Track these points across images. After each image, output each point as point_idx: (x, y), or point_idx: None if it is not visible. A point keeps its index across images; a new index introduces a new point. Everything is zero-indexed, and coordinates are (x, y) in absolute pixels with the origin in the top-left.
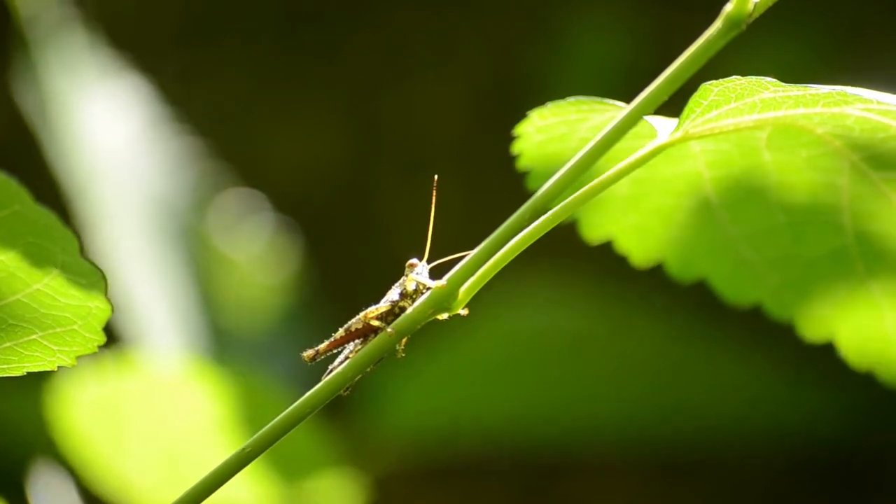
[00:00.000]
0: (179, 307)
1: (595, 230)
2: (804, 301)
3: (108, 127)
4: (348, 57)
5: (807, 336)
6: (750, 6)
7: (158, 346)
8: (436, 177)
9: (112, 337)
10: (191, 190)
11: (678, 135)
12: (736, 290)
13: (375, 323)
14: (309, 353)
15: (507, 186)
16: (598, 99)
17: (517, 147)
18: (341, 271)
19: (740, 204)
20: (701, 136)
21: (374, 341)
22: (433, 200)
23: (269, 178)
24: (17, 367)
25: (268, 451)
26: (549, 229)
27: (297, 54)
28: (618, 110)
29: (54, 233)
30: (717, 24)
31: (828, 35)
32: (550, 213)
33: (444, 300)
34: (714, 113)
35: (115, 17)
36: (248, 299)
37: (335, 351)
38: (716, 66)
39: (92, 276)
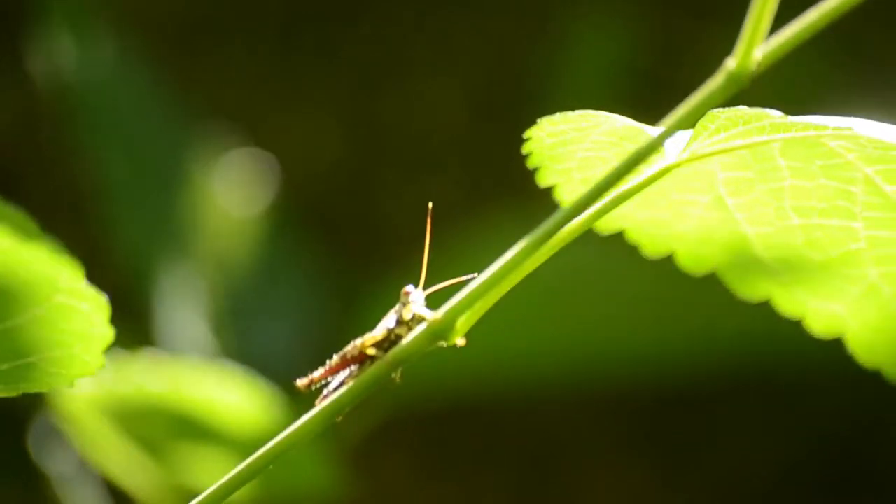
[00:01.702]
0: (189, 270)
1: (608, 223)
2: (814, 299)
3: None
4: (348, 56)
5: (817, 332)
6: (753, 64)
7: (178, 342)
8: (430, 204)
9: (129, 316)
10: (196, 149)
11: (685, 155)
12: (747, 285)
13: (371, 351)
14: (303, 381)
15: (508, 186)
16: (607, 114)
17: (527, 147)
18: (341, 270)
19: (754, 205)
20: (709, 155)
21: (370, 370)
22: (428, 227)
23: (269, 178)
24: (14, 388)
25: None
26: (554, 251)
27: (297, 53)
28: (626, 121)
29: (59, 260)
30: (719, 80)
31: (836, 37)
32: (567, 227)
33: (442, 333)
34: (722, 135)
35: (116, 18)
36: (254, 261)
37: (329, 379)
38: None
39: (95, 301)
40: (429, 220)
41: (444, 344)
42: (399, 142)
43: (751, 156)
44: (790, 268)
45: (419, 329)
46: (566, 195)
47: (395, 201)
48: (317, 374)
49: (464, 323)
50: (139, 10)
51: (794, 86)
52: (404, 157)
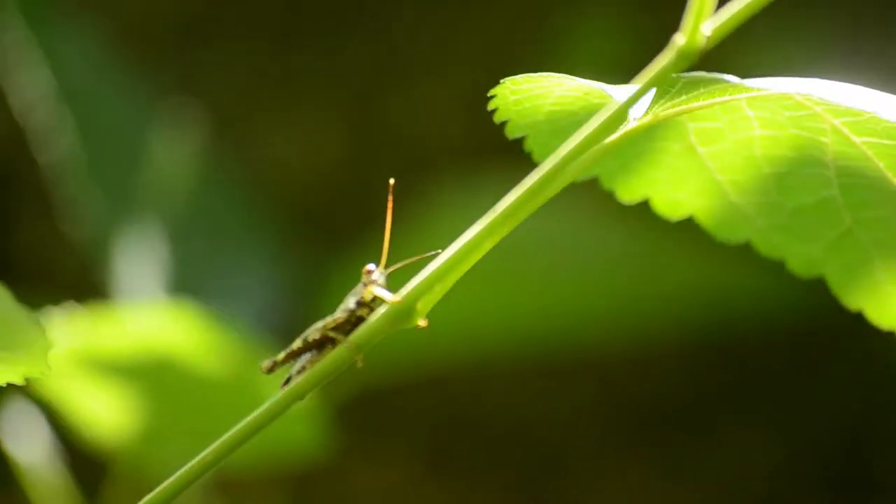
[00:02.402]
0: (149, 247)
1: (579, 172)
2: (793, 242)
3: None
4: (348, 57)
5: (798, 273)
6: (702, 39)
7: (132, 292)
8: (392, 180)
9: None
10: (152, 122)
11: (647, 119)
12: (724, 228)
13: (332, 334)
14: (266, 363)
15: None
16: (566, 75)
17: (493, 103)
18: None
19: (725, 154)
20: (671, 117)
21: (332, 354)
22: (390, 205)
23: (269, 178)
24: None
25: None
26: (513, 227)
27: (297, 54)
28: (588, 82)
29: None
30: (669, 56)
31: (826, 29)
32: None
33: (402, 317)
34: (683, 97)
35: (113, 18)
36: (209, 232)
37: (292, 362)
38: (707, 63)
39: (29, 325)
40: (390, 199)
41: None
42: (399, 142)
43: (720, 107)
44: (765, 213)
45: (380, 311)
46: (536, 147)
47: (395, 201)
48: (280, 356)
49: (425, 304)
50: (140, 9)
51: (790, 60)
52: (405, 157)
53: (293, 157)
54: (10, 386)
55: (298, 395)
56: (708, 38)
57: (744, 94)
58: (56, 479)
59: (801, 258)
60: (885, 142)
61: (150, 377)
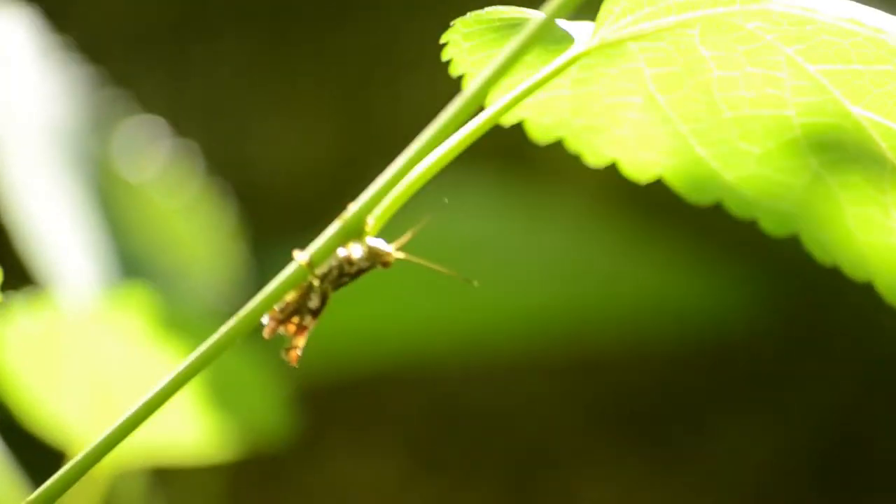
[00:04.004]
0: (89, 237)
1: (544, 132)
2: (763, 198)
3: None
4: (339, 54)
5: (771, 232)
6: None
7: (72, 279)
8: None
9: (24, 274)
10: (89, 117)
11: (595, 42)
12: (694, 188)
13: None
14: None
15: (496, 183)
16: (518, 9)
17: (446, 53)
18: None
19: (685, 101)
20: (618, 43)
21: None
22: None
23: (260, 176)
24: None
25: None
26: (481, 134)
27: (287, 51)
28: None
29: None
30: None
31: None
32: (487, 113)
33: (353, 232)
34: (629, 18)
35: (105, 15)
36: (154, 225)
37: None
38: None
39: None
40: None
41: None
42: (390, 140)
43: (674, 48)
44: (731, 165)
45: (331, 228)
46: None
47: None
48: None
49: (378, 220)
50: (129, 7)
51: None
52: (395, 155)
53: (283, 154)
54: None
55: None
56: None
57: (688, 14)
58: (6, 472)
59: (774, 215)
60: (839, 66)
61: (96, 361)
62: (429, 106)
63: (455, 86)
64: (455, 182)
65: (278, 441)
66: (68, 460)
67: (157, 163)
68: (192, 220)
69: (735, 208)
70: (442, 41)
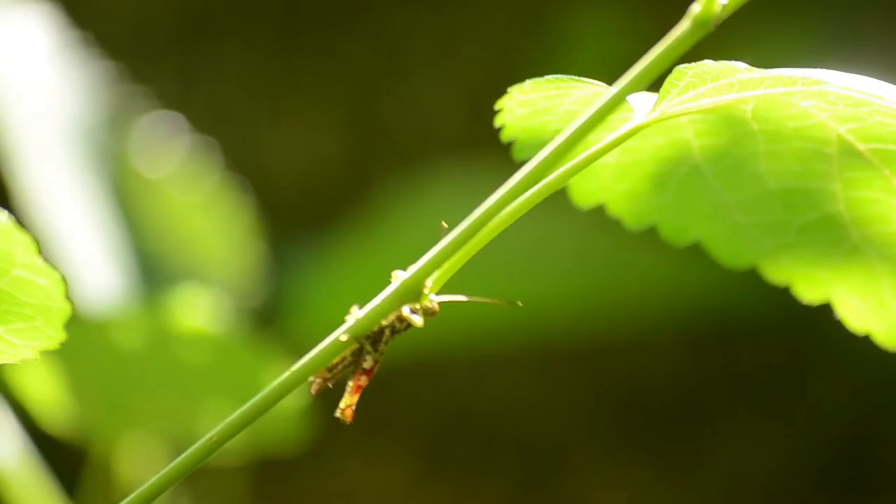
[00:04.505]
0: (107, 233)
1: (587, 197)
2: (800, 264)
3: (14, 54)
4: (348, 56)
5: (805, 298)
6: (717, 8)
7: (91, 276)
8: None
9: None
10: (107, 113)
11: (655, 115)
12: (731, 253)
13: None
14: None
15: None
16: (575, 77)
17: (499, 120)
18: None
19: (730, 172)
20: (678, 115)
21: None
22: None
23: (269, 175)
24: None
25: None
26: (535, 204)
27: (296, 53)
28: (598, 87)
29: (13, 237)
30: (685, 25)
31: (822, 27)
32: (539, 186)
33: (410, 294)
34: (691, 93)
35: (112, 17)
36: (172, 220)
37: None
38: (703, 57)
39: (51, 277)
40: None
41: (417, 310)
42: (398, 141)
43: (724, 122)
44: (771, 234)
45: (389, 288)
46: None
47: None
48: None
49: (436, 282)
50: (138, 8)
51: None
52: (403, 156)
53: (292, 154)
54: None
55: (296, 383)
56: (723, 6)
57: (749, 93)
58: (32, 474)
59: (809, 282)
60: (891, 147)
61: (118, 364)
62: (438, 109)
63: (462, 88)
64: (462, 172)
65: (294, 445)
66: (90, 462)
67: (174, 158)
68: (209, 215)
69: (770, 274)
70: (496, 108)
